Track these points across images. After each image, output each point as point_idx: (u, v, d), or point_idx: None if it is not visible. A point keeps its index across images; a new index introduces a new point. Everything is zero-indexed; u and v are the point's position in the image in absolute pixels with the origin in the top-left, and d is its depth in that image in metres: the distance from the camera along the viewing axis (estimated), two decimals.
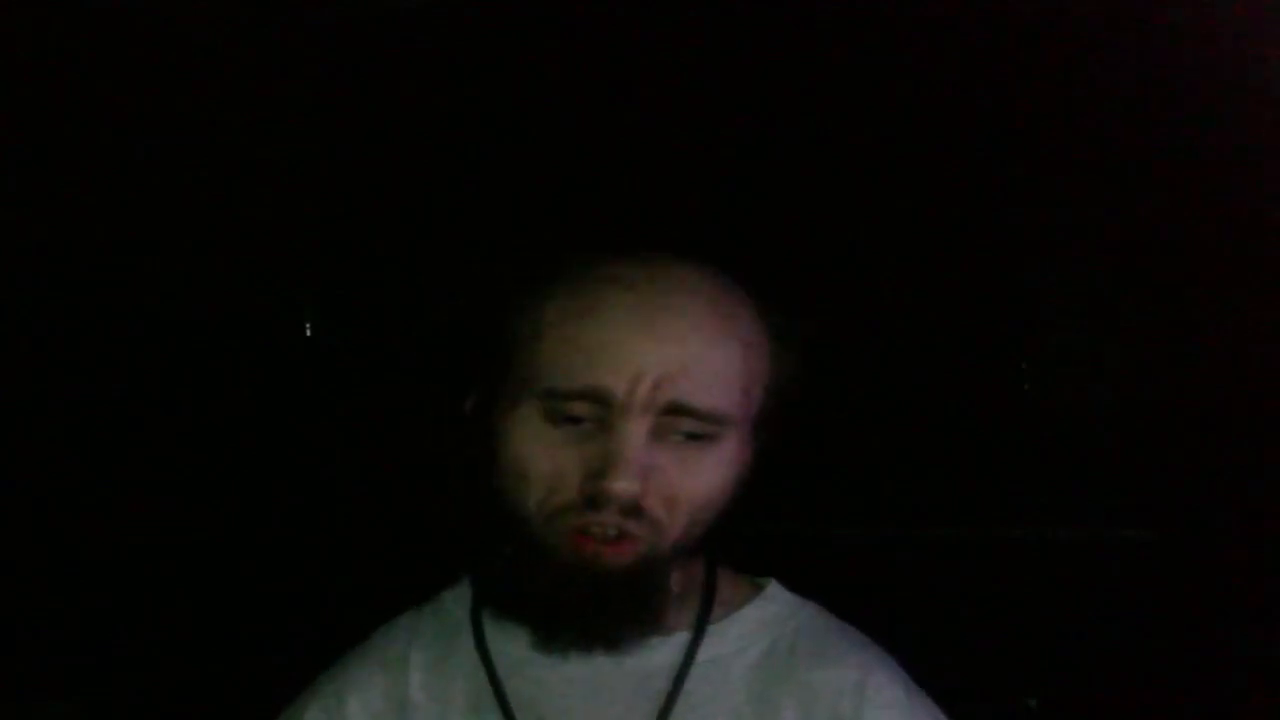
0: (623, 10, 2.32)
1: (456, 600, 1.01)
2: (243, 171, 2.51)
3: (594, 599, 0.88)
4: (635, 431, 0.86)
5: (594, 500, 0.86)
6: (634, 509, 0.86)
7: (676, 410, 0.87)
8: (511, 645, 0.95)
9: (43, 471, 2.44)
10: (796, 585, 1.02)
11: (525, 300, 0.93)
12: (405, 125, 2.55)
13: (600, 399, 0.86)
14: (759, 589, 1.00)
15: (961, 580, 2.37)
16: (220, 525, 2.52)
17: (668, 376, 0.86)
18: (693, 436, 0.88)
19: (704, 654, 0.94)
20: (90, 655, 2.35)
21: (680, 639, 0.95)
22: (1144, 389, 2.39)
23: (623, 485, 0.85)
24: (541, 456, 0.88)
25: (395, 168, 2.56)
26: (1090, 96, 2.27)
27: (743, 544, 1.00)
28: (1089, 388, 2.45)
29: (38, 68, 2.27)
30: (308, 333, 2.70)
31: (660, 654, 0.94)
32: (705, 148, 2.44)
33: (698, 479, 0.89)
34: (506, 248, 2.27)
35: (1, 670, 2.21)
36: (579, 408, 0.87)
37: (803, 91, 2.40)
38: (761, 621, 0.98)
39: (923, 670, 1.00)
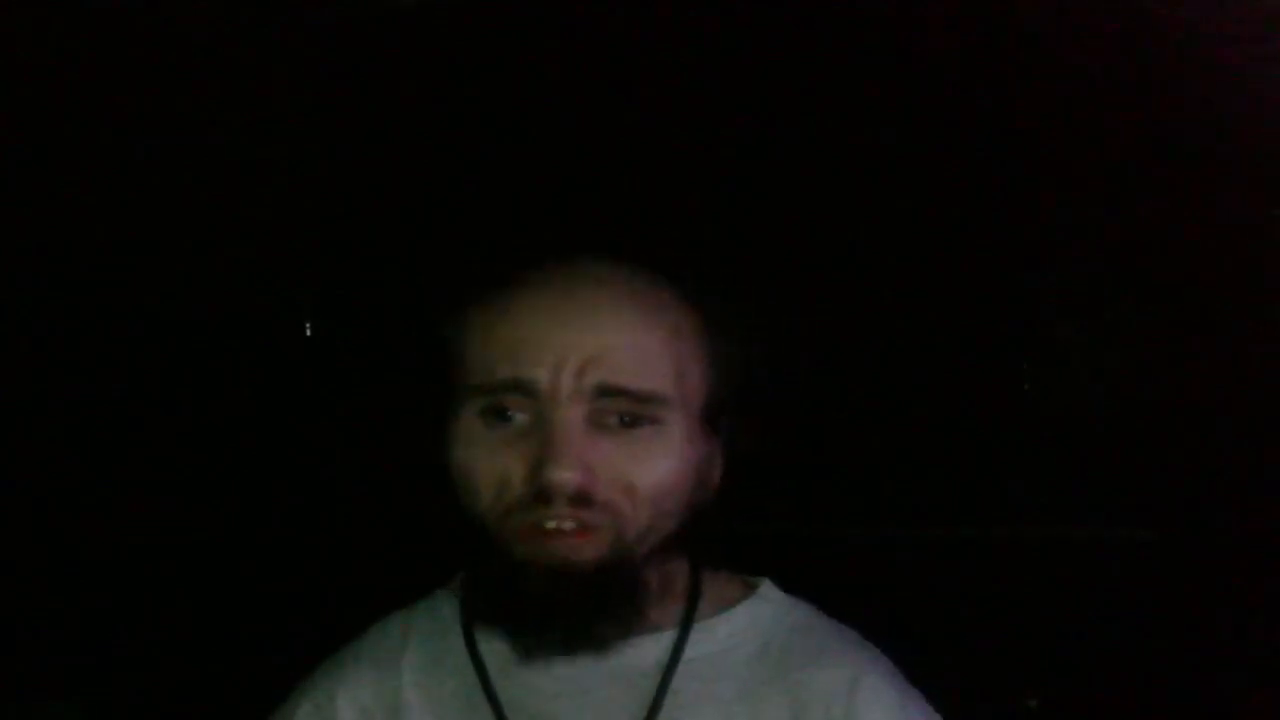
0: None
1: (448, 600, 1.01)
2: (243, 171, 2.51)
3: (565, 597, 0.88)
4: (568, 419, 0.86)
5: (540, 494, 0.86)
6: (583, 498, 0.86)
7: (607, 392, 0.87)
8: (502, 645, 0.95)
9: (43, 471, 2.44)
10: (795, 585, 1.02)
11: (453, 307, 0.95)
12: (405, 125, 2.55)
13: (526, 390, 0.87)
14: (751, 589, 1.00)
15: (961, 580, 2.37)
16: (220, 525, 2.52)
17: (591, 360, 0.87)
18: (633, 422, 0.88)
19: (693, 652, 0.94)
20: (90, 655, 2.35)
21: (668, 637, 0.95)
22: (1144, 389, 2.39)
23: (563, 474, 0.85)
24: (484, 459, 0.88)
25: (394, 168, 2.56)
26: (1091, 97, 2.27)
27: (737, 544, 1.00)
28: (1089, 388, 2.45)
29: (38, 68, 2.27)
30: (308, 333, 2.70)
31: (648, 652, 0.94)
32: (704, 149, 2.44)
33: (647, 464, 0.88)
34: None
35: (1, 670, 2.21)
36: (510, 401, 0.88)
37: (803, 92, 2.40)
38: (753, 620, 0.98)
39: (922, 670, 1.00)
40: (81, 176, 2.42)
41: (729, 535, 0.98)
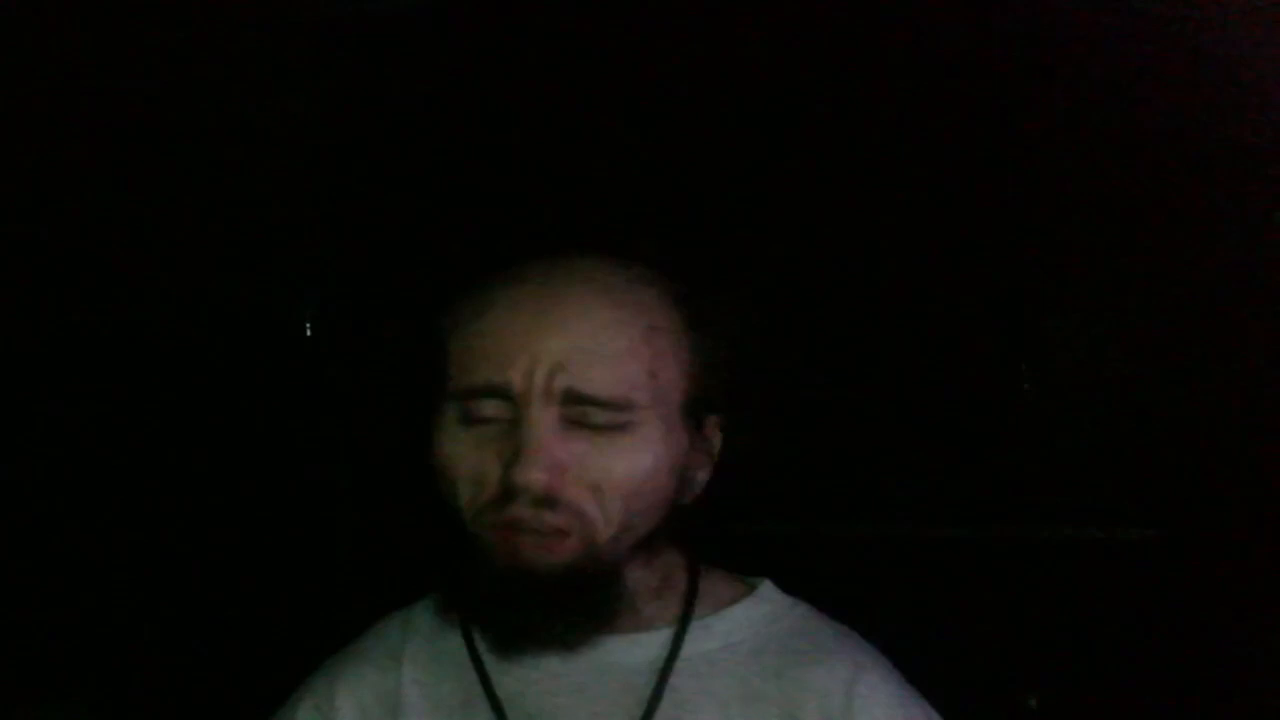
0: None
1: (448, 599, 1.01)
2: (243, 170, 2.51)
3: (535, 599, 0.89)
4: (541, 421, 0.87)
5: (508, 492, 0.87)
6: (548, 500, 0.87)
7: (576, 399, 0.88)
8: (500, 643, 0.95)
9: (43, 471, 2.44)
10: (794, 585, 1.02)
11: (436, 308, 0.96)
12: (405, 125, 2.55)
13: (502, 394, 0.88)
14: (751, 588, 1.01)
15: (961, 580, 2.37)
16: (220, 525, 2.52)
17: (560, 365, 0.87)
18: (604, 424, 0.89)
19: (691, 650, 0.95)
20: (90, 655, 2.35)
21: (664, 635, 0.95)
22: (1144, 389, 2.39)
23: (530, 475, 0.86)
24: (463, 458, 0.90)
25: (395, 167, 2.56)
26: (1091, 96, 2.27)
27: (735, 543, 1.00)
28: (1089, 388, 2.45)
29: (38, 67, 2.27)
30: (308, 333, 2.69)
31: (645, 650, 0.94)
32: (701, 148, 2.44)
33: (616, 465, 0.89)
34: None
35: (1, 670, 2.22)
36: (488, 406, 0.89)
37: (802, 91, 2.40)
38: (751, 619, 0.98)
39: (922, 670, 1.00)
40: (81, 176, 2.42)
41: (727, 534, 0.98)
